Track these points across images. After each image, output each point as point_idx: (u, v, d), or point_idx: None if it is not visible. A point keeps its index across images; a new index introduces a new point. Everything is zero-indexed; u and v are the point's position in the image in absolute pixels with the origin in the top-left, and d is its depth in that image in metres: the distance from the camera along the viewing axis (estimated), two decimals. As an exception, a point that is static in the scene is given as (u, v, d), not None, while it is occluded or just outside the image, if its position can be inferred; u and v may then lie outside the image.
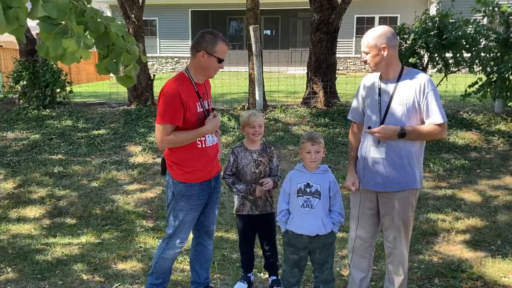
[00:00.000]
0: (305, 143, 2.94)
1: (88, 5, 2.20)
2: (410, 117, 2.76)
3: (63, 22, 1.94)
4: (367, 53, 2.79)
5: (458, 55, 7.35)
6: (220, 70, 2.92)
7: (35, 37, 9.04)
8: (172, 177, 2.97)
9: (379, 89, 2.86)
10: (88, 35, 2.21)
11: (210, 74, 2.93)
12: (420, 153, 2.86)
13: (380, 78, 2.88)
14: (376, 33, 2.77)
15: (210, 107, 3.02)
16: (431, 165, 6.26)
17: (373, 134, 2.80)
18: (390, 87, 2.82)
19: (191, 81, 2.90)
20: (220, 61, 2.86)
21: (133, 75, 2.54)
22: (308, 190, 2.91)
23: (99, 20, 2.20)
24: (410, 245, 4.12)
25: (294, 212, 2.95)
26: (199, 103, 2.90)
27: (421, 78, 2.76)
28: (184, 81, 2.88)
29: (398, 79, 2.80)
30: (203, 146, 2.95)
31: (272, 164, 3.35)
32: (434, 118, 2.73)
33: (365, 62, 2.84)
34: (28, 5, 1.90)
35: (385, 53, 2.74)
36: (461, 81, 8.20)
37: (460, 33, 6.93)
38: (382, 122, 2.81)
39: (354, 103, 3.06)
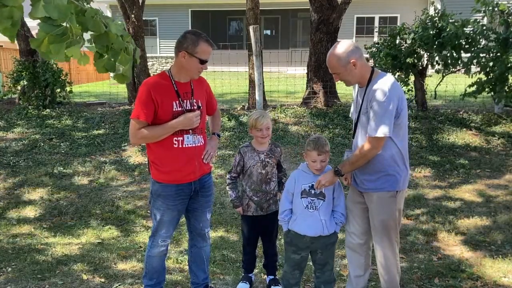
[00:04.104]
0: (311, 151, 2.88)
1: (87, 6, 2.20)
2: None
3: (64, 24, 1.94)
4: (338, 74, 2.79)
5: (456, 54, 7.35)
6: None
7: (35, 37, 9.04)
8: (151, 175, 2.98)
9: (357, 95, 2.91)
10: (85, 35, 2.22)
11: (192, 75, 2.86)
12: (400, 156, 2.78)
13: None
14: (339, 52, 2.73)
15: (195, 106, 2.91)
16: (431, 165, 6.26)
17: (322, 187, 2.86)
18: (361, 95, 2.83)
19: (171, 80, 2.85)
20: (202, 62, 2.78)
21: (128, 74, 2.57)
22: (312, 191, 2.89)
23: (99, 20, 2.20)
24: (410, 245, 4.14)
25: (298, 213, 2.94)
26: (177, 102, 2.83)
27: (377, 85, 2.69)
28: (162, 79, 2.85)
29: (367, 87, 2.78)
30: (180, 146, 2.87)
31: (280, 163, 3.36)
32: (367, 130, 2.70)
33: (335, 79, 2.85)
34: (28, 7, 1.89)
35: (357, 64, 2.72)
36: (461, 81, 8.21)
37: (453, 31, 6.92)
38: (354, 132, 2.89)
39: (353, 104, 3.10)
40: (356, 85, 2.94)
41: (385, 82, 2.68)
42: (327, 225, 2.89)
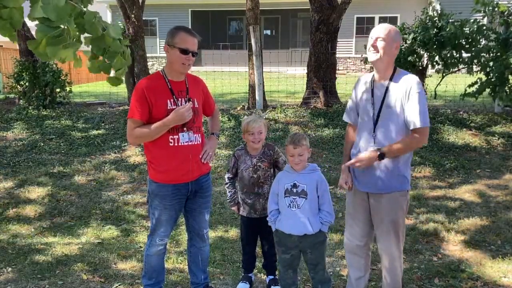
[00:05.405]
0: (288, 146, 2.92)
1: (85, 9, 2.20)
2: (399, 121, 2.75)
3: (62, 26, 1.94)
4: (383, 40, 2.72)
5: (456, 54, 7.35)
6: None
7: (35, 37, 9.04)
8: (148, 175, 3.00)
9: (372, 90, 2.87)
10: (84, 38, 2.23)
11: (177, 68, 2.84)
12: (410, 155, 2.88)
13: (373, 79, 2.89)
14: (396, 29, 2.80)
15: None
16: (431, 165, 6.26)
17: (353, 166, 2.82)
18: (382, 89, 2.81)
19: (165, 78, 2.88)
20: (184, 51, 2.77)
21: (121, 77, 2.60)
22: (294, 190, 2.91)
23: (97, 22, 2.20)
24: (410, 245, 4.14)
25: (283, 212, 2.97)
26: (171, 100, 2.84)
27: (409, 80, 2.75)
28: (156, 78, 2.88)
29: (390, 81, 2.79)
30: (176, 144, 2.86)
31: (279, 164, 3.32)
32: (414, 121, 2.70)
33: (375, 48, 2.73)
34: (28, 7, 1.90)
35: (397, 51, 2.81)
36: (461, 81, 8.20)
37: (453, 31, 6.92)
38: (375, 125, 2.83)
39: (349, 104, 3.09)
40: (362, 84, 2.95)
41: (414, 77, 2.79)
42: (311, 223, 2.89)
